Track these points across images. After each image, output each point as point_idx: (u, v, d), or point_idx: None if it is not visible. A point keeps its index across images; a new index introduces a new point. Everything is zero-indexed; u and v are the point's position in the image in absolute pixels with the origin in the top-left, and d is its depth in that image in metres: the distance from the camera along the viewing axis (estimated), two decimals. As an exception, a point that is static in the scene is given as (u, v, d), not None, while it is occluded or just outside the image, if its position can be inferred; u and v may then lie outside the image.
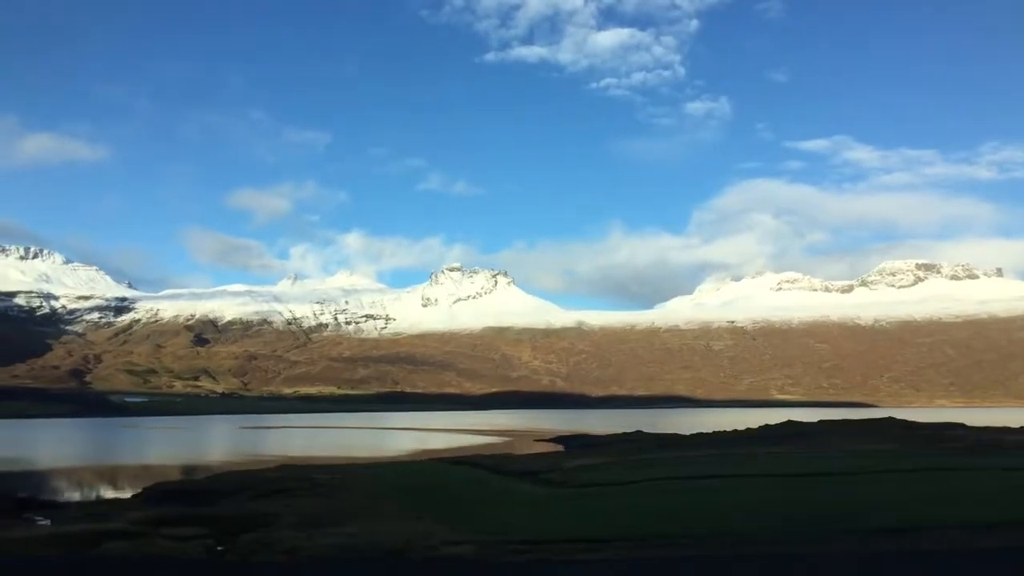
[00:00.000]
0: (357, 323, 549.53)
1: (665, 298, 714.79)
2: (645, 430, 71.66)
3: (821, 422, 63.28)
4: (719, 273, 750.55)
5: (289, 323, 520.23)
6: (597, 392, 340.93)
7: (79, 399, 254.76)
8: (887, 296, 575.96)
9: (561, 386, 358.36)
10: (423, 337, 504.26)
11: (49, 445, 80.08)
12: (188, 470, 50.09)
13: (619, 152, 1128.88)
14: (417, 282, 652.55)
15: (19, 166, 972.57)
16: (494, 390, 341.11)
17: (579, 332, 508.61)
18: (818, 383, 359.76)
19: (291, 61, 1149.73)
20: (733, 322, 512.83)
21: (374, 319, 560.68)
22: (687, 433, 63.90)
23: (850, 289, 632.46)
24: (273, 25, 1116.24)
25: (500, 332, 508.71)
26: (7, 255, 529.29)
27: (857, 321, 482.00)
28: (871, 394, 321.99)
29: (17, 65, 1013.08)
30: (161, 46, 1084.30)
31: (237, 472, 37.97)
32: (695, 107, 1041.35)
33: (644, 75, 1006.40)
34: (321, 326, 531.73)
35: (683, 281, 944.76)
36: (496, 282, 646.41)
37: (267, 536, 18.22)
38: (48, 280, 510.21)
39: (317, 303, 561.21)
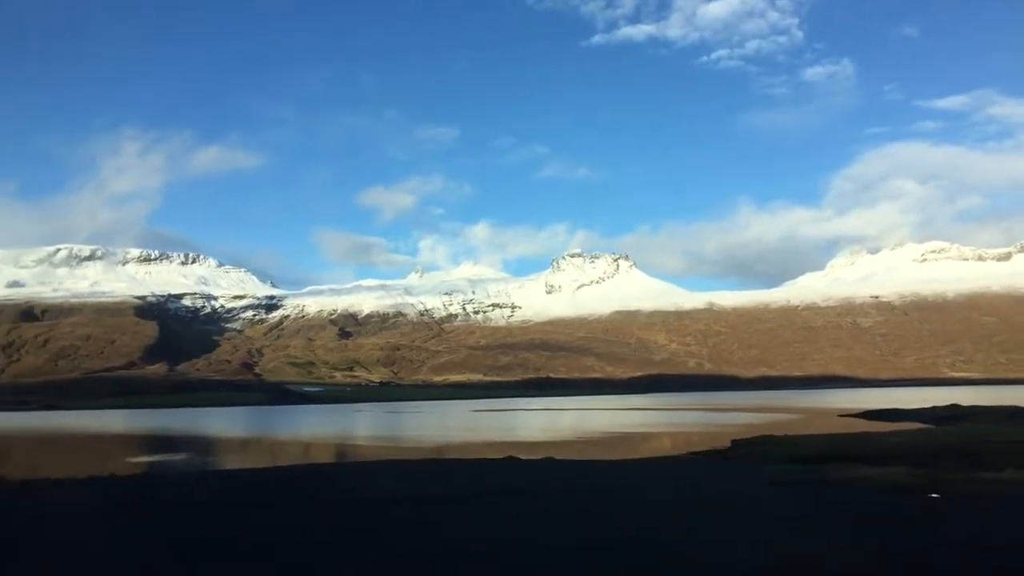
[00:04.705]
0: (485, 312, 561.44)
1: (793, 276, 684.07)
2: (960, 403, 69.01)
3: None
4: (853, 246, 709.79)
5: (421, 314, 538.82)
6: (747, 373, 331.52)
7: (265, 389, 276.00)
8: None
9: (708, 368, 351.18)
10: (552, 324, 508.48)
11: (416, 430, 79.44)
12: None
13: (740, 126, 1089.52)
14: (539, 269, 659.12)
15: (191, 178, 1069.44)
16: (639, 374, 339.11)
17: (711, 313, 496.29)
18: (994, 359, 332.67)
19: (419, 59, 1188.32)
20: (878, 297, 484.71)
21: (500, 308, 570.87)
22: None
23: (1008, 257, 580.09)
24: (397, 23, 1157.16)
25: (629, 316, 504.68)
26: (171, 262, 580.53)
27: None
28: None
29: (192, 82, 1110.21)
30: (301, 53, 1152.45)
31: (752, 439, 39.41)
32: (815, 72, 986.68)
33: (759, 43, 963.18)
34: (451, 316, 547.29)
35: (812, 257, 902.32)
36: (618, 266, 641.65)
37: None
38: (206, 283, 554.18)
39: (445, 294, 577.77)
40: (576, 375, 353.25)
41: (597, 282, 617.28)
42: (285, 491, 20.90)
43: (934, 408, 67.32)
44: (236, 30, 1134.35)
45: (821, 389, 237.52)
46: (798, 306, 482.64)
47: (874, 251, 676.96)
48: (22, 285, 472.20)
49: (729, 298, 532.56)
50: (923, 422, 56.69)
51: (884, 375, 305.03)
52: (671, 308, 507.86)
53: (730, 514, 15.52)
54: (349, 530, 13.91)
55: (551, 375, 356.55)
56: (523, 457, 33.50)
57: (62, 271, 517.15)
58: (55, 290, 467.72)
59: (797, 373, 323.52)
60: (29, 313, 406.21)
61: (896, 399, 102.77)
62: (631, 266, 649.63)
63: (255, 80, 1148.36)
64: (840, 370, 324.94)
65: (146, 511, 17.05)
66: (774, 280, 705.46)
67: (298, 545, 12.23)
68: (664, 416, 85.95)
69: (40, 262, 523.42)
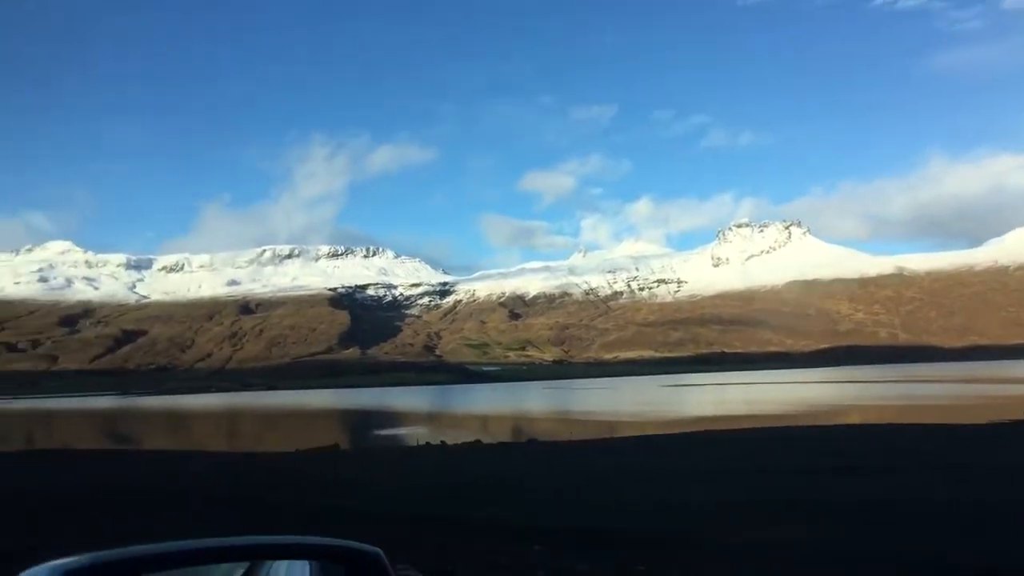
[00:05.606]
0: (650, 288, 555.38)
1: (999, 232, 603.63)
2: None
3: None
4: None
5: (587, 293, 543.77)
6: (951, 343, 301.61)
7: (448, 369, 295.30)
8: None
9: (903, 338, 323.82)
10: (722, 297, 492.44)
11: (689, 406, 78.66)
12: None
13: (925, 69, 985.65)
14: (705, 242, 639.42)
15: (369, 177, 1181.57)
16: (823, 346, 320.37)
17: (901, 279, 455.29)
18: None
19: (569, 41, 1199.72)
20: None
21: (666, 283, 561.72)
22: None
23: None
24: (544, 9, 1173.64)
25: (807, 286, 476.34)
26: (355, 256, 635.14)
27: None
28: None
29: (364, 86, 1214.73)
30: (455, 49, 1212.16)
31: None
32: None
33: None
34: (616, 294, 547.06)
35: (1020, 210, 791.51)
36: (790, 234, 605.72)
37: None
38: (386, 273, 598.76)
39: (609, 272, 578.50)
40: (753, 349, 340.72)
41: (767, 252, 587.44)
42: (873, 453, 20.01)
43: None
44: (392, 32, 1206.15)
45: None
46: (1010, 266, 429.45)
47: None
48: (238, 283, 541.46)
49: (922, 261, 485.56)
50: None
51: None
52: (854, 275, 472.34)
53: None
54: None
55: (725, 349, 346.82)
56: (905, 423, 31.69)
57: (268, 269, 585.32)
58: (264, 286, 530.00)
59: (1015, 341, 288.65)
60: (246, 307, 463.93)
61: None
62: (804, 232, 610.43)
63: (417, 79, 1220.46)
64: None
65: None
66: (976, 239, 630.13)
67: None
68: (903, 388, 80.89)
69: (251, 262, 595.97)
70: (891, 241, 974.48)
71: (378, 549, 1.79)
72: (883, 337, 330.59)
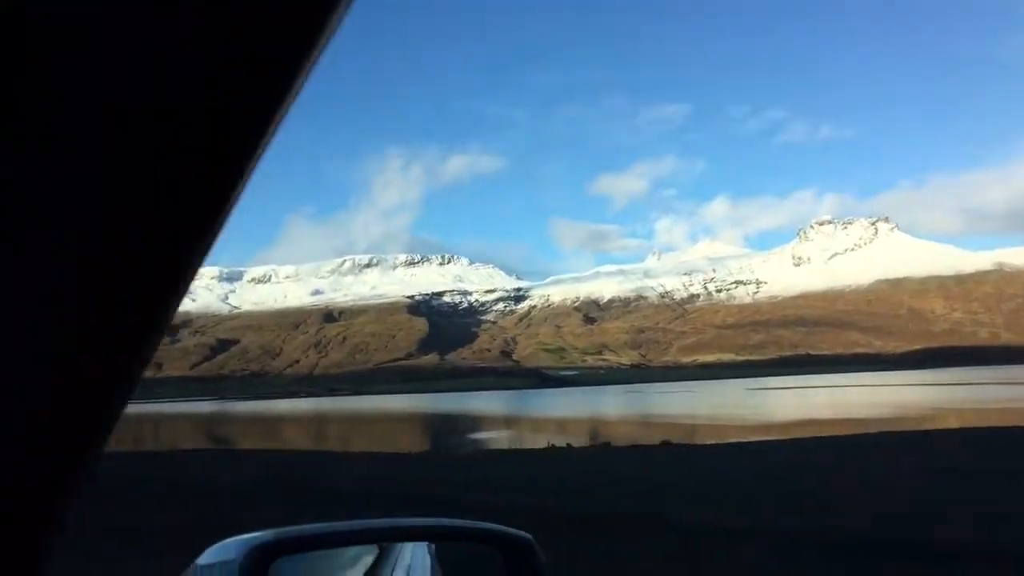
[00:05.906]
0: (728, 290, 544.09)
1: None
2: None
3: None
4: None
5: (662, 296, 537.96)
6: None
7: (525, 374, 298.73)
8: None
9: (1007, 338, 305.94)
10: (804, 297, 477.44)
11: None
12: None
13: (1019, 52, 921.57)
14: (784, 241, 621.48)
15: (442, 186, 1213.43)
16: (916, 347, 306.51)
17: (1001, 275, 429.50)
18: None
19: (638, 41, 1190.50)
20: None
21: (744, 284, 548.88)
22: None
23: None
24: (610, 10, 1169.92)
25: (896, 284, 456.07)
26: (430, 263, 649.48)
27: None
28: None
29: (436, 96, 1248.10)
30: (523, 55, 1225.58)
31: None
32: None
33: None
34: (693, 297, 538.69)
35: None
36: (876, 230, 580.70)
37: None
38: (461, 280, 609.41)
39: (684, 275, 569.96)
40: (839, 351, 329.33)
41: (852, 249, 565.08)
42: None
43: None
44: (461, 42, 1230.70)
45: None
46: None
47: None
48: (322, 293, 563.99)
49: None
50: None
51: None
52: (948, 272, 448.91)
53: None
54: None
55: (810, 352, 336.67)
56: None
57: (348, 279, 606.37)
58: (345, 295, 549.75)
59: None
60: (330, 316, 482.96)
61: None
62: (892, 228, 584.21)
63: (488, 87, 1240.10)
64: None
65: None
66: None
67: None
68: (1013, 391, 75.84)
69: (332, 272, 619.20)
70: (988, 235, 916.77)
71: (529, 535, 1.68)
72: (984, 337, 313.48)
